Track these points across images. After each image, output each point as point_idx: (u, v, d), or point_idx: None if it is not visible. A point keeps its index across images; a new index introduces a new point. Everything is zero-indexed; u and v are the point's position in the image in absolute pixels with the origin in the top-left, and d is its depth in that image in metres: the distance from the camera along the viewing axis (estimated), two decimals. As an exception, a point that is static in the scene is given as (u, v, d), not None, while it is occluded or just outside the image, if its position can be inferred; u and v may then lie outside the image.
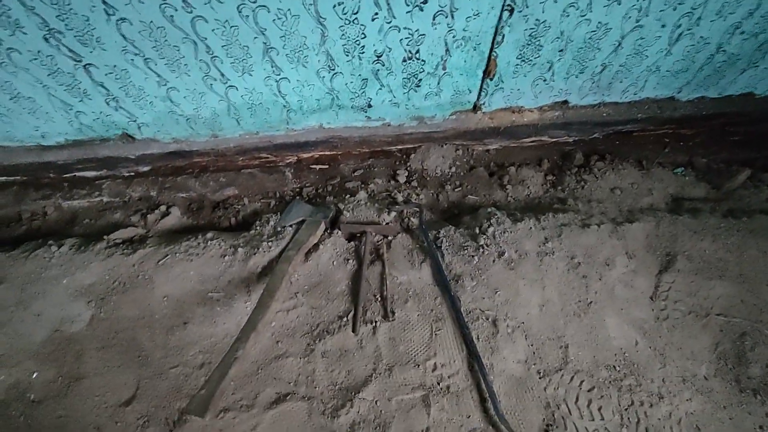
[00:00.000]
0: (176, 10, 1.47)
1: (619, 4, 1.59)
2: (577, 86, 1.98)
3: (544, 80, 1.92)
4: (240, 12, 1.50)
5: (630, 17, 1.64)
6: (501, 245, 1.80)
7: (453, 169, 2.25)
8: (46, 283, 1.80)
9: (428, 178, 2.24)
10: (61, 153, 2.10)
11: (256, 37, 1.60)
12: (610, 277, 1.75)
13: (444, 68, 1.82)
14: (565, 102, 2.09)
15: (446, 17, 1.59)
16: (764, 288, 1.74)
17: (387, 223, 1.94)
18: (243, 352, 1.41)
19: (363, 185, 2.19)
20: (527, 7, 1.57)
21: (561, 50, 1.77)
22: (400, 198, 2.09)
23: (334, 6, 1.51)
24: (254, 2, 1.47)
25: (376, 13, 1.55)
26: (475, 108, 2.08)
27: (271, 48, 1.65)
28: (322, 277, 1.79)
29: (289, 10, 1.51)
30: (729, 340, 1.64)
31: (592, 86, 1.98)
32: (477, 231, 1.85)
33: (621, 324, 1.66)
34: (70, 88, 1.75)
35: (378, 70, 1.79)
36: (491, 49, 1.75)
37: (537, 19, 1.63)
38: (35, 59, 1.61)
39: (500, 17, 1.61)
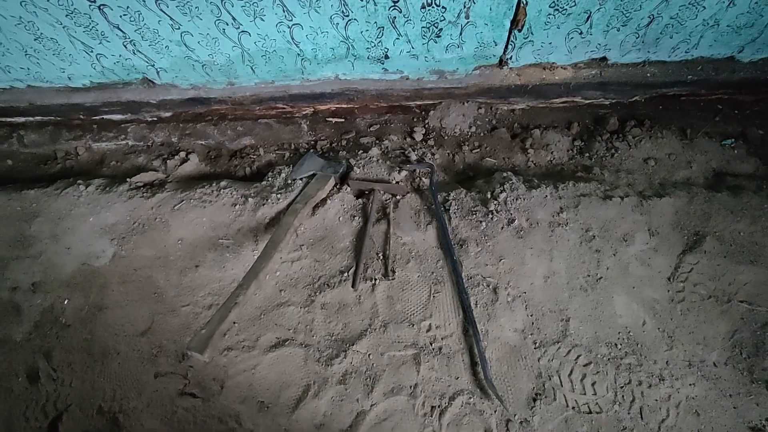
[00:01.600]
0: (182, -54, 1.41)
1: (676, -58, 1.36)
2: (619, 41, 1.77)
3: (580, 33, 1.73)
4: (247, -51, 1.42)
5: (688, -41, 1.41)
6: (512, 212, 1.73)
7: (473, 129, 2.14)
8: (75, 220, 1.93)
9: (446, 137, 2.14)
10: (88, 95, 2.16)
11: (267, -23, 1.52)
12: (625, 253, 1.66)
13: (467, 17, 1.67)
14: (604, 59, 1.88)
15: (470, -43, 1.43)
16: (801, 277, 1.59)
17: (397, 182, 1.90)
18: (243, 298, 1.48)
19: (377, 141, 2.13)
20: (564, -55, 1.38)
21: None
22: (413, 157, 2.02)
23: (346, -58, 1.39)
24: (261, -62, 1.38)
25: (392, -48, 1.42)
26: (501, 63, 1.92)
27: (281, -10, 1.57)
28: (327, 231, 1.80)
29: (298, -54, 1.41)
30: (749, 329, 1.54)
31: (636, 41, 1.77)
32: (488, 196, 1.78)
33: (630, 302, 1.58)
34: (89, 29, 1.76)
35: (395, 17, 1.67)
36: (521, -3, 1.58)
37: (575, -40, 1.43)
38: (52, -2, 1.62)
39: (532, -43, 1.43)
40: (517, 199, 1.75)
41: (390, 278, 1.64)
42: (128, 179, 2.05)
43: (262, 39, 1.79)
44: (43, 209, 1.98)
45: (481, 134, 2.14)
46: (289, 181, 1.93)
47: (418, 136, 2.14)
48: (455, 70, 1.96)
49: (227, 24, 1.72)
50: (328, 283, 1.67)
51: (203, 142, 2.28)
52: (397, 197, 1.86)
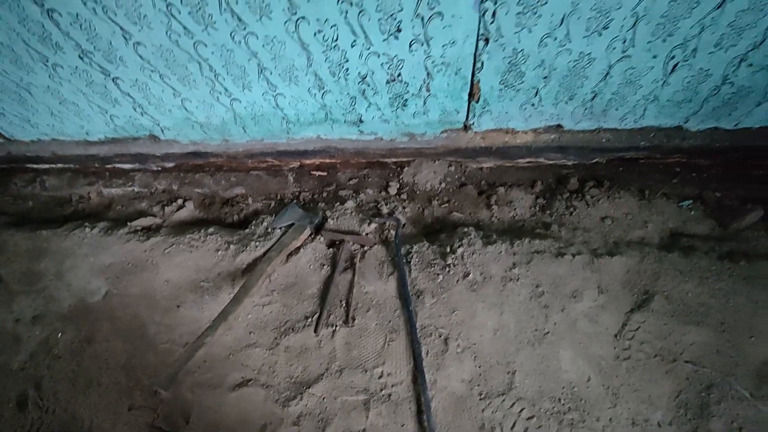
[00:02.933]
0: (180, 36, 1.69)
1: (600, 36, 1.55)
2: (569, 112, 1.94)
3: (533, 105, 1.91)
4: (233, 38, 1.68)
5: (614, 48, 1.60)
6: (468, 266, 1.85)
7: (443, 185, 2.31)
8: (77, 259, 2.15)
9: (418, 192, 2.32)
10: (102, 147, 2.45)
11: (250, 59, 1.78)
12: (573, 309, 1.74)
13: (428, 90, 1.88)
14: (560, 126, 2.05)
15: (422, 45, 1.65)
16: (745, 340, 1.63)
17: (366, 234, 2.06)
18: (211, 339, 1.62)
19: (354, 194, 2.31)
20: (502, 36, 1.59)
21: (545, 77, 1.76)
22: (385, 210, 2.19)
23: (315, 34, 1.64)
24: (244, 30, 1.65)
25: (354, 41, 1.65)
26: (466, 127, 2.11)
27: (264, 68, 1.82)
28: (298, 278, 1.96)
29: (275, 37, 1.67)
30: (694, 390, 1.57)
31: (585, 112, 1.94)
32: (448, 250, 1.91)
33: (575, 358, 1.65)
34: (104, 96, 2.05)
35: (364, 89, 1.90)
36: (473, 74, 1.79)
37: (514, 48, 1.64)
38: (74, 73, 1.92)
39: (476, 46, 1.64)
40: (473, 254, 1.88)
41: (350, 325, 1.76)
42: (129, 223, 2.28)
43: (251, 105, 2.05)
44: (52, 248, 2.22)
45: (451, 190, 2.30)
46: (269, 230, 2.11)
47: (393, 190, 2.31)
48: (424, 133, 2.16)
49: (220, 93, 1.99)
50: (293, 328, 1.81)
51: (200, 191, 2.52)
52: (365, 248, 2.01)
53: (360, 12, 1.53)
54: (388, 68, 1.77)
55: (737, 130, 1.97)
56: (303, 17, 1.57)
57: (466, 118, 2.05)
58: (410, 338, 1.70)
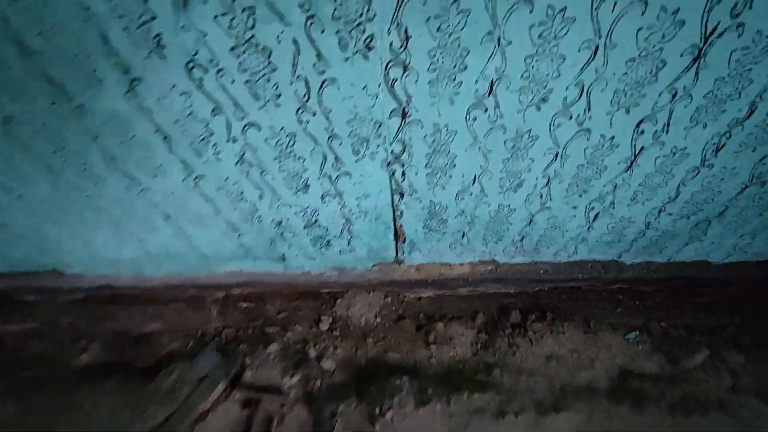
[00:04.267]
0: (70, 188, 1.54)
1: (516, 192, 1.50)
2: (500, 250, 1.86)
3: (461, 244, 1.82)
4: (129, 191, 1.55)
5: (533, 202, 1.55)
6: (397, 434, 1.61)
7: (379, 319, 2.12)
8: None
9: (351, 327, 2.12)
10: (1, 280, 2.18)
11: (152, 209, 1.64)
12: (517, 491, 1.50)
13: (350, 233, 1.77)
14: (494, 260, 1.96)
15: (334, 197, 1.56)
16: None
17: (288, 388, 1.81)
18: None
19: (282, 331, 2.09)
20: (416, 192, 1.52)
21: (469, 222, 1.68)
22: (313, 353, 1.97)
23: (217, 189, 1.52)
24: (139, 186, 1.52)
25: (261, 194, 1.54)
26: (398, 261, 1.99)
27: (169, 216, 1.68)
28: (201, 455, 1.66)
29: (173, 192, 1.54)
30: None
31: (517, 250, 1.86)
32: (377, 411, 1.68)
33: None
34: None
35: (282, 232, 1.77)
36: (394, 220, 1.69)
37: (431, 201, 1.56)
38: (-46, 221, 1.71)
39: (392, 198, 1.56)
40: (404, 418, 1.65)
41: None
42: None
43: (162, 245, 1.87)
44: None
45: (387, 325, 2.12)
46: (177, 385, 1.84)
47: (324, 326, 2.11)
48: (354, 267, 2.02)
49: (127, 234, 1.81)
50: None
51: (111, 326, 2.24)
52: (285, 408, 1.75)
53: (262, 172, 1.44)
54: (303, 216, 1.66)
55: (672, 263, 1.92)
56: (202, 175, 1.46)
57: (396, 255, 1.93)
58: None
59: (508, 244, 1.81)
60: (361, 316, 2.13)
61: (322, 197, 1.55)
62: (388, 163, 1.39)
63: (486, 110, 1.20)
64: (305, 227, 1.72)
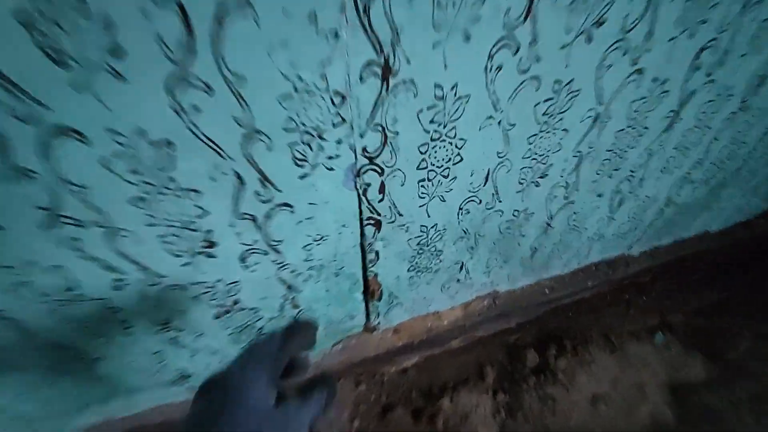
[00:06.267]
0: None
1: (538, 186, 1.03)
2: (505, 275, 1.36)
3: (458, 281, 1.27)
4: None
5: (556, 196, 1.09)
6: None
7: (357, 423, 1.42)
8: None
9: (319, 449, 1.37)
10: None
11: None
12: None
13: (295, 305, 1.09)
14: (494, 291, 1.45)
15: (266, 254, 0.88)
16: None
17: None
18: None
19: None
20: (400, 215, 0.94)
21: (471, 248, 1.15)
22: None
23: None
24: None
25: (121, 280, 0.79)
26: (371, 329, 1.35)
27: None
28: None
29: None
30: None
31: (524, 271, 1.38)
32: None
33: None
34: None
35: (175, 336, 1.00)
36: (365, 270, 1.08)
37: (423, 225, 1.00)
38: None
39: (362, 234, 0.95)
40: None
41: None
42: None
43: None
44: None
45: (371, 425, 1.42)
46: None
47: (276, 462, 1.32)
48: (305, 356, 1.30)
49: None
50: None
51: None
52: None
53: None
54: (211, 299, 0.93)
55: (676, 242, 1.65)
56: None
57: (368, 320, 1.29)
58: None
59: (515, 266, 1.33)
60: (330, 426, 1.40)
61: (243, 261, 0.86)
62: (356, 175, 0.79)
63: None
64: (218, 318, 0.99)
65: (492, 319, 1.55)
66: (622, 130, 0.98)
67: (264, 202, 0.76)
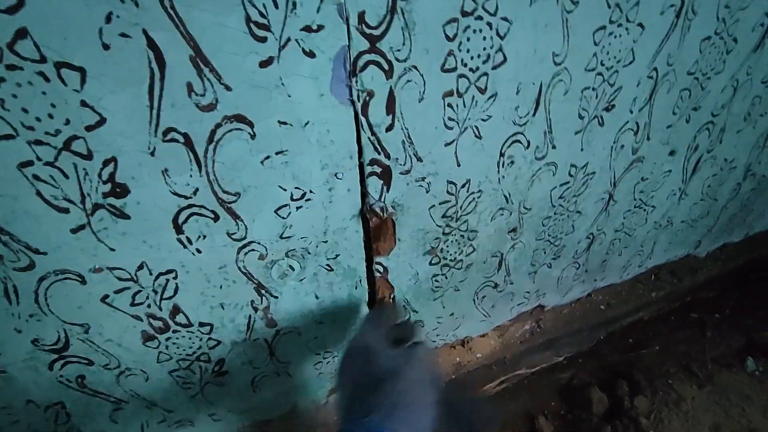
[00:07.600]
0: None
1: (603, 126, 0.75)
2: (554, 280, 1.03)
3: (495, 286, 0.93)
4: None
5: (623, 146, 0.81)
6: None
7: None
8: None
9: None
10: None
11: None
12: None
13: (271, 322, 0.73)
14: (539, 306, 1.10)
15: (215, 220, 0.56)
16: None
17: None
18: None
19: None
20: (419, 160, 0.64)
21: (514, 229, 0.83)
22: None
23: None
24: None
25: None
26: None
27: None
28: None
29: None
30: None
31: (577, 272, 1.05)
32: None
33: None
34: None
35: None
36: (369, 262, 0.74)
37: (450, 182, 0.69)
38: None
39: (364, 192, 0.64)
40: None
41: None
42: None
43: None
44: None
45: None
46: None
47: None
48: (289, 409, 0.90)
49: None
50: None
51: None
52: None
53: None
54: (132, 305, 0.58)
55: (743, 241, 1.35)
56: None
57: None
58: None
59: (567, 265, 1.00)
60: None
61: (178, 225, 0.54)
62: (353, 69, 0.51)
63: None
64: (145, 343, 0.63)
65: (536, 349, 1.18)
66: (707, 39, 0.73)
67: (202, 108, 0.45)
